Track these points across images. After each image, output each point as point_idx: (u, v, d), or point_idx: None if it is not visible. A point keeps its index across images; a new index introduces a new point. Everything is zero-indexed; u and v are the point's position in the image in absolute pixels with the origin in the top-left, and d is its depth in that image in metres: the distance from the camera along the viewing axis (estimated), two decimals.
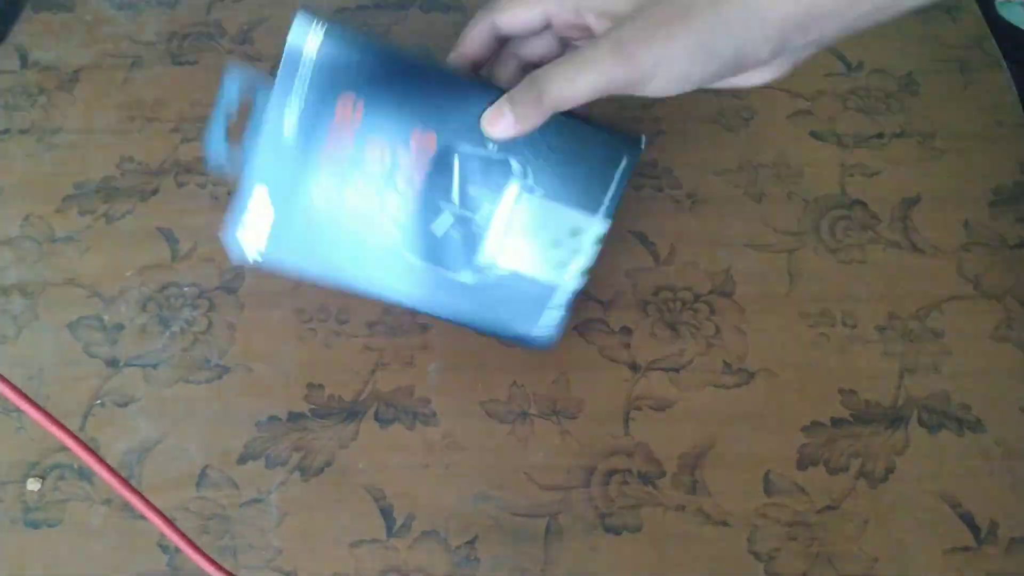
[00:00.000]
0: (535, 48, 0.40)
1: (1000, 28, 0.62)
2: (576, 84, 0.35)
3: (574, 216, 0.41)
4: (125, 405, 0.47)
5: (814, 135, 0.55)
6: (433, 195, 0.40)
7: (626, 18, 0.35)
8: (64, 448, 0.36)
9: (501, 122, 0.37)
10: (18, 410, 0.42)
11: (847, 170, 0.53)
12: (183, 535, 0.31)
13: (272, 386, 0.47)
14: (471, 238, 0.41)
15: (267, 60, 0.59)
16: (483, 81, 0.40)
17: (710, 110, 0.56)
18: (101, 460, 0.29)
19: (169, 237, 0.52)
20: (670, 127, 0.55)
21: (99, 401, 0.47)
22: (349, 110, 0.39)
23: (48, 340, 0.49)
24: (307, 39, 0.39)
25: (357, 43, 0.38)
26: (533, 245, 0.41)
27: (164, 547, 0.43)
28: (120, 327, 0.49)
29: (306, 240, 0.40)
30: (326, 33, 0.38)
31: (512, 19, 0.39)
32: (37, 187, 0.54)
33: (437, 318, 0.42)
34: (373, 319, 0.49)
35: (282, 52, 0.59)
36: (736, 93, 0.56)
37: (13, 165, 0.55)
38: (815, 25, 0.34)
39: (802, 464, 0.45)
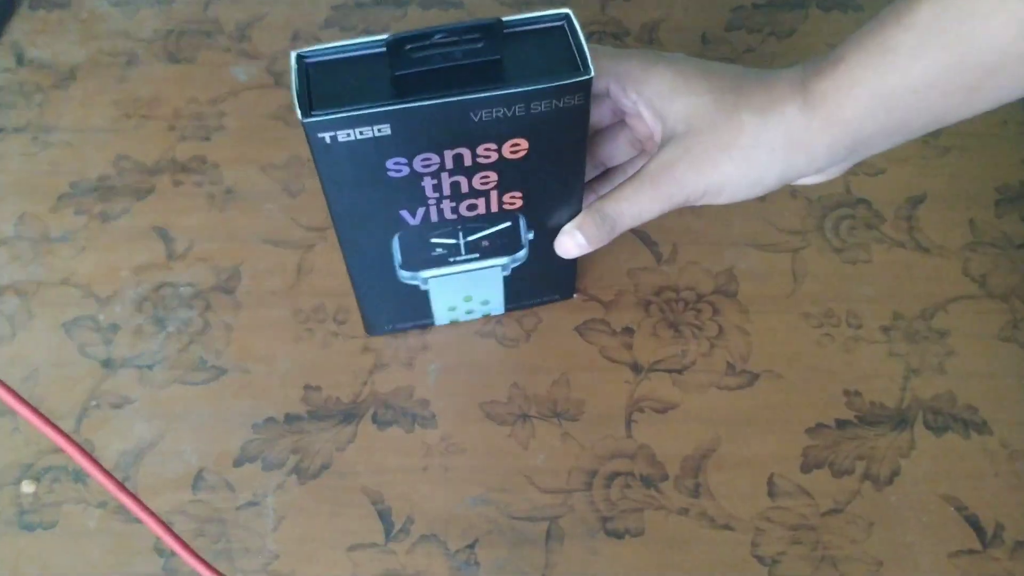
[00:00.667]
0: (614, 155, 0.43)
1: None
2: (639, 211, 0.38)
3: (498, 296, 0.47)
4: (120, 406, 0.46)
5: None
6: (465, 230, 0.43)
7: (678, 137, 0.37)
8: (59, 450, 0.36)
9: (574, 247, 0.41)
10: (13, 412, 0.41)
11: (851, 169, 0.53)
12: (178, 538, 0.30)
13: (269, 387, 0.47)
14: (440, 260, 0.44)
15: (264, 58, 0.58)
16: None
17: None
18: (96, 462, 0.29)
19: (165, 236, 0.51)
20: None
21: (94, 402, 0.46)
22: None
23: (43, 340, 0.48)
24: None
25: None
26: (456, 290, 0.46)
27: (159, 550, 0.42)
28: (115, 327, 0.49)
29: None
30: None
31: None
32: (32, 186, 0.54)
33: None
34: None
35: (280, 50, 0.59)
36: None
37: (8, 164, 0.54)
38: (862, 148, 0.36)
39: (806, 466, 0.44)
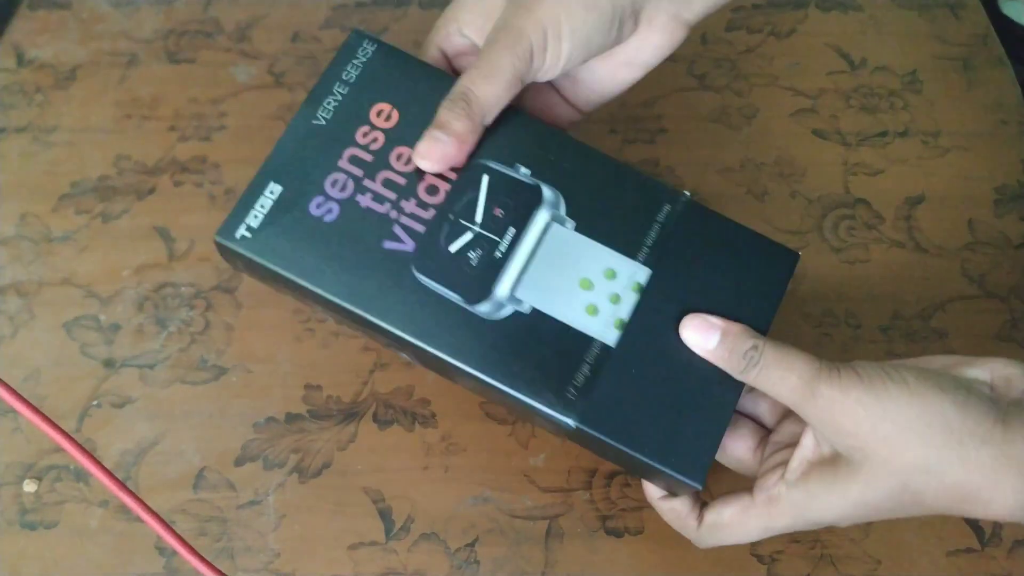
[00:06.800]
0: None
1: (1004, 26, 0.61)
2: (494, 79, 0.36)
3: (609, 255, 0.37)
4: (122, 406, 0.46)
5: (817, 133, 0.54)
6: (455, 211, 0.37)
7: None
8: (60, 449, 0.36)
9: (437, 148, 0.36)
10: (14, 411, 0.41)
11: (850, 169, 0.53)
12: (180, 538, 0.31)
13: (270, 387, 0.47)
14: (491, 264, 0.36)
15: (264, 58, 0.58)
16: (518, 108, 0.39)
17: (712, 108, 0.55)
18: (97, 462, 0.29)
19: (166, 236, 0.52)
20: (672, 125, 0.55)
21: (95, 402, 0.47)
22: (383, 117, 0.38)
23: (44, 340, 0.48)
24: (358, 50, 0.39)
25: (403, 61, 0.39)
26: (562, 283, 0.36)
27: (161, 549, 0.43)
28: (117, 327, 0.49)
29: (303, 234, 0.36)
30: (376, 49, 0.39)
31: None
32: (33, 186, 0.54)
33: (436, 357, 0.36)
34: None
35: (281, 50, 0.59)
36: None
37: (9, 164, 0.55)
38: None
39: None
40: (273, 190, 0.37)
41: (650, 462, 0.35)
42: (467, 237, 0.37)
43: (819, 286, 0.49)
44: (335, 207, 0.37)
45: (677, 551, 0.42)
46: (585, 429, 0.35)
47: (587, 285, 0.36)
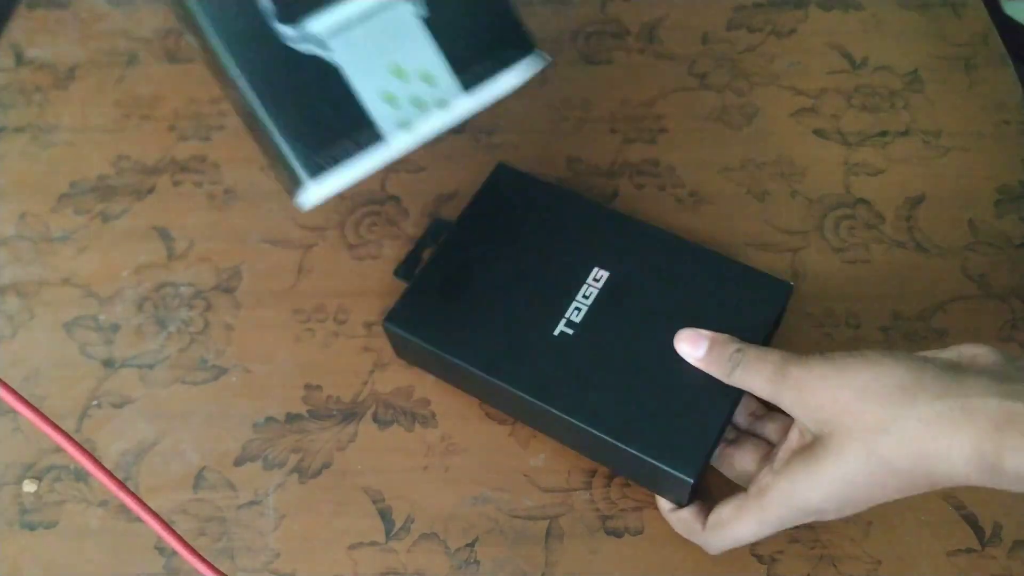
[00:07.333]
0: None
1: (1006, 25, 0.61)
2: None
3: (436, 61, 0.35)
4: (121, 406, 0.46)
5: (818, 133, 0.54)
6: None
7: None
8: (60, 449, 0.36)
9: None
10: (14, 411, 0.41)
11: (851, 168, 0.53)
12: (179, 538, 0.31)
13: (269, 387, 0.47)
14: None
15: None
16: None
17: (713, 108, 0.55)
18: (97, 462, 0.29)
19: (165, 236, 0.52)
20: (673, 125, 0.55)
21: (95, 402, 0.47)
22: None
23: (44, 340, 0.48)
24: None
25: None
26: (375, 57, 0.34)
27: (161, 549, 0.42)
28: (116, 327, 0.49)
29: None
30: None
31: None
32: (32, 186, 0.54)
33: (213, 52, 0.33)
34: (371, 319, 0.49)
35: None
36: (738, 91, 0.56)
37: (8, 164, 0.55)
38: None
39: None
40: None
41: (645, 457, 0.39)
42: None
43: (820, 286, 0.49)
44: None
45: (677, 551, 0.42)
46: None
47: (399, 74, 0.35)
